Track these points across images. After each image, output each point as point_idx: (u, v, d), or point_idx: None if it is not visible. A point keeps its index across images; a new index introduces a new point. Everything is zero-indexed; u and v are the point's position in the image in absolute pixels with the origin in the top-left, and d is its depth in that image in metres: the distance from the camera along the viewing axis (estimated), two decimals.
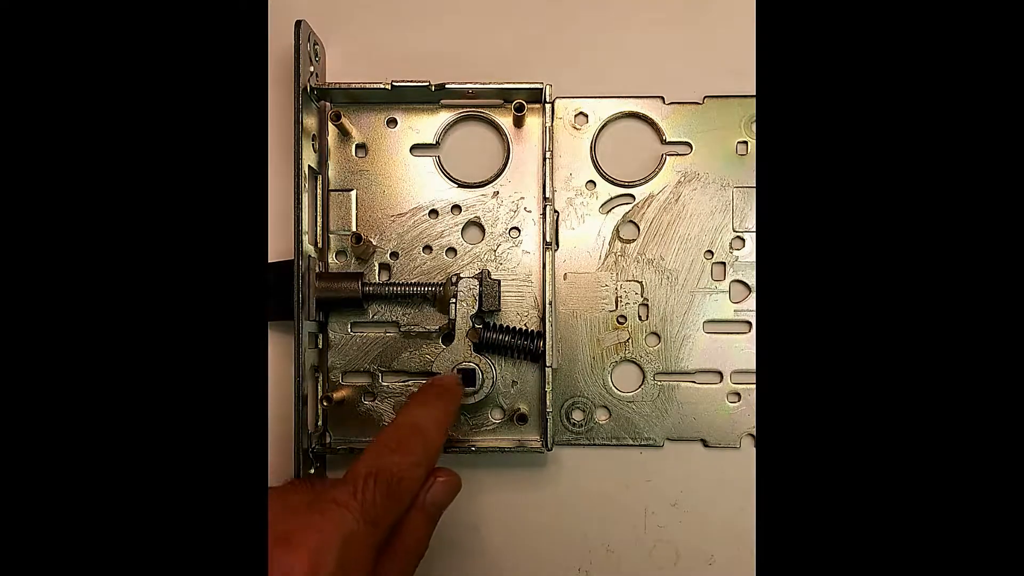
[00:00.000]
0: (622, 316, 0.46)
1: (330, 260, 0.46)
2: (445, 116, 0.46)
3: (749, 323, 0.46)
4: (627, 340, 0.46)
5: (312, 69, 0.44)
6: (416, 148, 0.46)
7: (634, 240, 0.46)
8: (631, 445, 0.46)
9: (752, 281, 0.46)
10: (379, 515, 0.33)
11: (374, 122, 0.46)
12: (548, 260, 0.44)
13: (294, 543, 0.30)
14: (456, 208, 0.46)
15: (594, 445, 0.46)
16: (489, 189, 0.46)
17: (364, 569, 0.32)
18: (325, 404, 0.45)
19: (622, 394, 0.46)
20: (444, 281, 0.45)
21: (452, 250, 0.46)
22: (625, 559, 0.46)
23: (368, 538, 0.32)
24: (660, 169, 0.46)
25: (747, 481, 0.46)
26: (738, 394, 0.46)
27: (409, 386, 0.46)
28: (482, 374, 0.44)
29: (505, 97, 0.46)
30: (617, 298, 0.46)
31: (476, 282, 0.44)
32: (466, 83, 0.44)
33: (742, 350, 0.46)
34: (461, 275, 0.44)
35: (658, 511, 0.46)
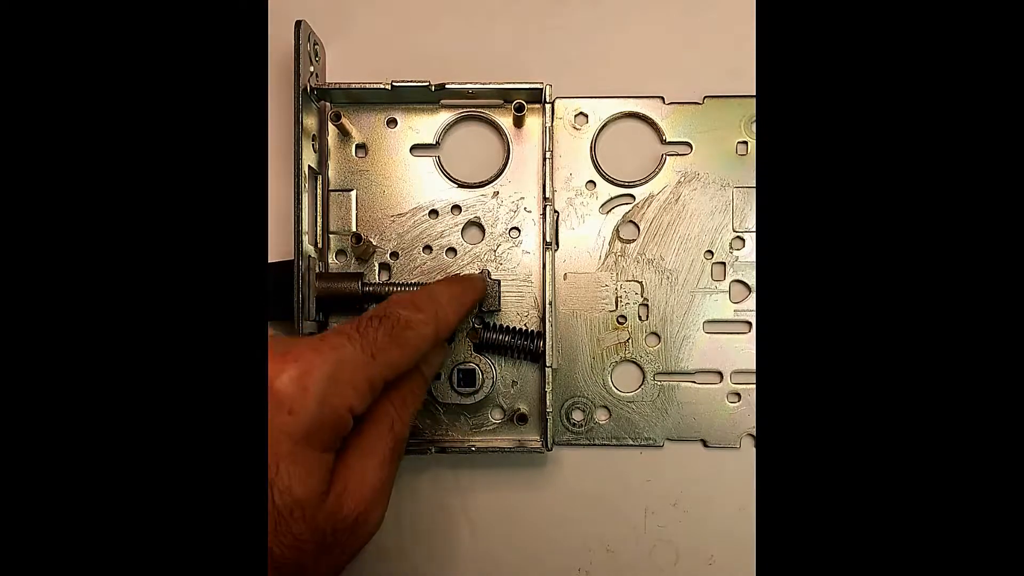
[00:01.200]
0: (622, 316, 0.46)
1: (330, 260, 0.46)
2: (445, 116, 0.46)
3: (749, 323, 0.46)
4: (627, 340, 0.46)
5: (312, 69, 0.44)
6: (416, 148, 0.46)
7: (634, 240, 0.46)
8: (631, 445, 0.46)
9: (752, 281, 0.46)
10: (378, 349, 0.33)
11: (374, 122, 0.46)
12: (548, 260, 0.44)
13: (289, 356, 0.31)
14: (456, 208, 0.46)
15: (594, 445, 0.46)
16: (489, 189, 0.46)
17: (356, 392, 0.32)
18: None
19: (622, 394, 0.46)
20: None
21: (452, 250, 0.46)
22: (625, 559, 0.46)
23: (364, 367, 0.33)
24: (660, 169, 0.46)
25: (747, 481, 0.46)
26: (738, 394, 0.46)
27: None
28: (482, 374, 0.44)
29: (505, 97, 0.46)
30: (617, 298, 0.46)
31: None
32: (466, 83, 0.44)
33: (742, 350, 0.46)
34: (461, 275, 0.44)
35: (658, 511, 0.46)
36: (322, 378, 0.31)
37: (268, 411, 0.30)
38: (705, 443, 0.46)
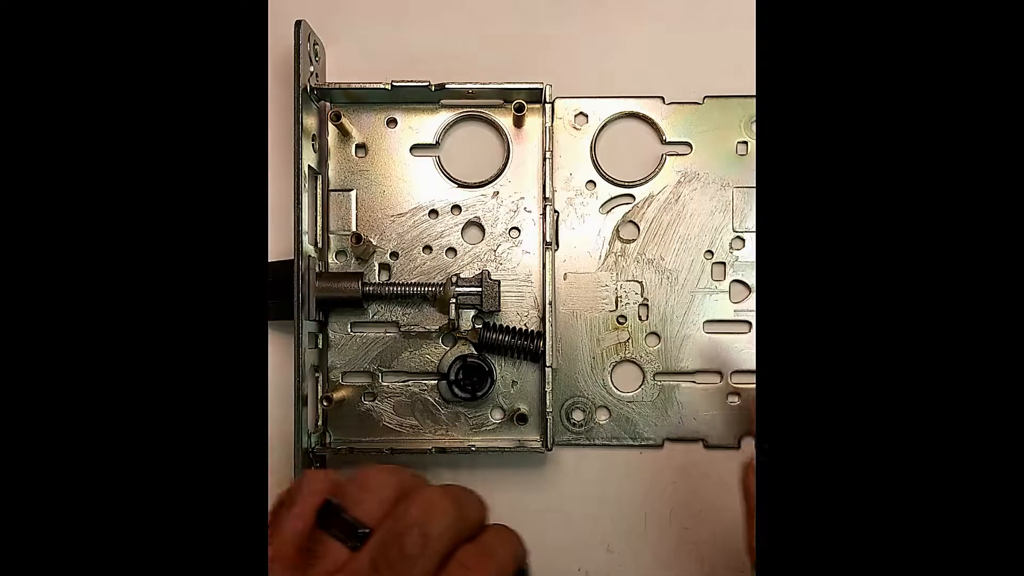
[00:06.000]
0: (622, 316, 0.46)
1: (330, 260, 0.46)
2: (445, 116, 0.46)
3: (749, 323, 0.46)
4: (627, 340, 0.46)
5: (312, 69, 0.44)
6: (416, 148, 0.46)
7: (634, 240, 0.46)
8: (631, 445, 0.46)
9: (752, 281, 0.46)
10: None
11: (374, 122, 0.46)
12: (548, 260, 0.44)
13: None
14: (456, 208, 0.46)
15: (594, 445, 0.46)
16: (489, 189, 0.46)
17: None
18: (325, 404, 0.45)
19: (622, 394, 0.46)
20: (444, 281, 0.45)
21: (452, 250, 0.46)
22: (625, 559, 0.46)
23: None
24: (660, 169, 0.46)
25: None
26: (738, 394, 0.46)
27: (409, 386, 0.46)
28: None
29: (505, 97, 0.46)
30: (617, 298, 0.46)
31: (476, 282, 0.44)
32: (466, 83, 0.44)
33: (742, 350, 0.46)
34: (461, 275, 0.44)
35: (658, 511, 0.46)
36: None
37: None
38: (705, 443, 0.46)
